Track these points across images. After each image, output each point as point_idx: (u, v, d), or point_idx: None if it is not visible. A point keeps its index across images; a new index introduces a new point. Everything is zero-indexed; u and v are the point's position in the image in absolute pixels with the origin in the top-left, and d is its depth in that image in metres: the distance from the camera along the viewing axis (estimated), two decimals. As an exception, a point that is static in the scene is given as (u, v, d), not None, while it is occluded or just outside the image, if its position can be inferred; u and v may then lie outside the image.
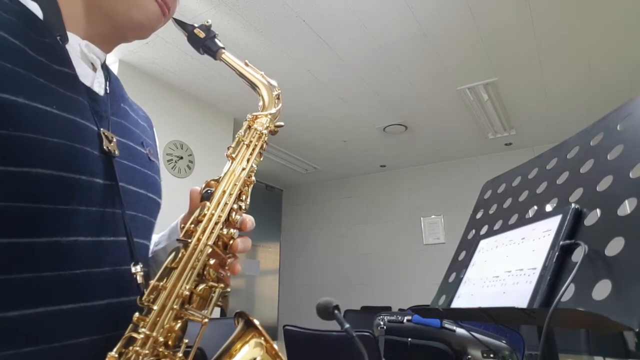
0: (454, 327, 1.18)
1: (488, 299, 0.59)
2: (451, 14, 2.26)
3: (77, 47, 0.51)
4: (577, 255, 0.47)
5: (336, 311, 0.84)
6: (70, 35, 0.50)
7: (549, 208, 0.62)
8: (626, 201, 0.45)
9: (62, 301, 0.42)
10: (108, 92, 0.55)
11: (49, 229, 0.41)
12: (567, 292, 0.43)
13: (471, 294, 0.66)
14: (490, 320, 0.60)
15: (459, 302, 0.68)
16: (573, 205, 0.53)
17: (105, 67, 0.58)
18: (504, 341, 1.11)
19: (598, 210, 0.49)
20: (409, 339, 1.24)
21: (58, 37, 0.47)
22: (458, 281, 0.73)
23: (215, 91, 3.12)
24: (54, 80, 0.45)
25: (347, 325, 0.78)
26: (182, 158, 3.05)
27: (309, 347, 1.48)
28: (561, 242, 0.50)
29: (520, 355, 1.12)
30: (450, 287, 0.74)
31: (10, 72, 0.40)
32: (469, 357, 1.14)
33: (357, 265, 4.75)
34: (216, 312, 3.10)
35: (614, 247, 0.43)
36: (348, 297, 4.46)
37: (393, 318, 1.31)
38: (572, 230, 0.51)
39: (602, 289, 0.41)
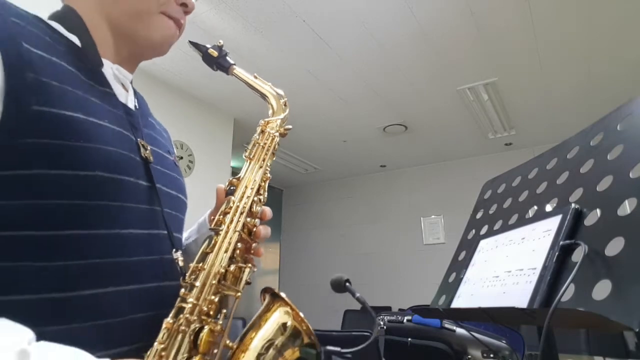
0: (454, 327, 1.18)
1: (488, 299, 0.59)
2: (451, 14, 2.26)
3: (109, 70, 0.59)
4: (577, 255, 0.47)
5: (347, 284, 0.99)
6: (103, 60, 0.58)
7: (549, 208, 0.62)
8: (626, 201, 0.45)
9: (124, 282, 0.49)
10: (137, 107, 0.63)
11: (111, 223, 0.49)
12: (567, 292, 0.43)
13: (471, 294, 0.66)
14: (490, 320, 0.60)
15: (459, 302, 0.68)
16: (573, 205, 0.53)
17: (131, 86, 0.66)
18: (504, 341, 1.11)
19: (598, 210, 0.49)
20: (409, 339, 1.24)
21: (96, 64, 0.56)
22: (458, 281, 0.73)
23: (215, 91, 3.12)
24: (101, 99, 0.53)
25: (358, 294, 0.92)
26: (182, 158, 3.06)
27: (309, 347, 1.48)
28: (561, 242, 0.50)
29: (520, 355, 1.12)
30: (450, 287, 0.74)
31: (71, 94, 0.48)
32: (469, 357, 1.14)
33: (357, 265, 4.75)
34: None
35: (614, 247, 0.43)
36: (348, 297, 4.45)
37: (393, 318, 1.31)
38: (572, 230, 0.51)
39: (602, 289, 0.41)
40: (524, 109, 3.37)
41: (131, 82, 0.65)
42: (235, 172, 4.10)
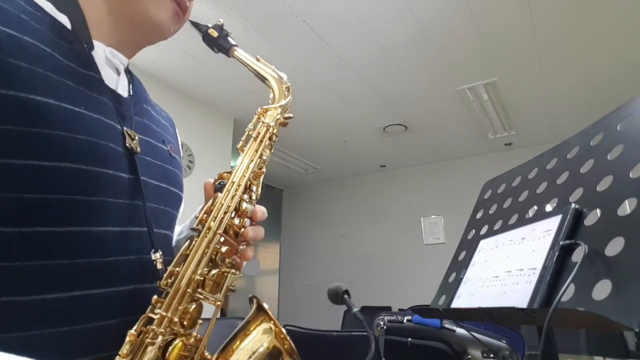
0: (454, 327, 1.18)
1: (488, 299, 0.59)
2: (451, 14, 2.26)
3: (101, 53, 0.55)
4: (577, 255, 0.47)
5: (345, 296, 0.89)
6: (95, 43, 0.54)
7: (549, 208, 0.62)
8: (626, 201, 0.45)
9: (94, 286, 0.45)
10: (131, 94, 0.59)
11: (82, 219, 0.44)
12: (567, 292, 0.43)
13: (471, 294, 0.66)
14: (490, 320, 0.60)
15: (459, 302, 0.68)
16: (573, 205, 0.53)
17: (128, 71, 0.61)
18: (504, 341, 1.11)
19: (598, 210, 0.49)
20: (409, 339, 1.24)
21: (85, 45, 0.52)
22: (458, 281, 0.73)
23: (215, 91, 3.12)
24: (81, 84, 0.48)
25: (355, 309, 0.84)
26: (182, 158, 3.06)
27: (309, 347, 1.48)
28: (561, 242, 0.50)
29: (520, 355, 1.12)
30: (450, 287, 0.74)
31: (42, 77, 0.43)
32: (469, 357, 1.14)
33: (357, 265, 4.75)
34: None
35: (614, 247, 0.43)
36: (348, 297, 4.45)
37: (393, 318, 1.31)
38: (572, 230, 0.51)
39: (602, 289, 0.41)
40: (524, 109, 3.37)
41: (128, 67, 0.61)
42: (235, 172, 4.09)
